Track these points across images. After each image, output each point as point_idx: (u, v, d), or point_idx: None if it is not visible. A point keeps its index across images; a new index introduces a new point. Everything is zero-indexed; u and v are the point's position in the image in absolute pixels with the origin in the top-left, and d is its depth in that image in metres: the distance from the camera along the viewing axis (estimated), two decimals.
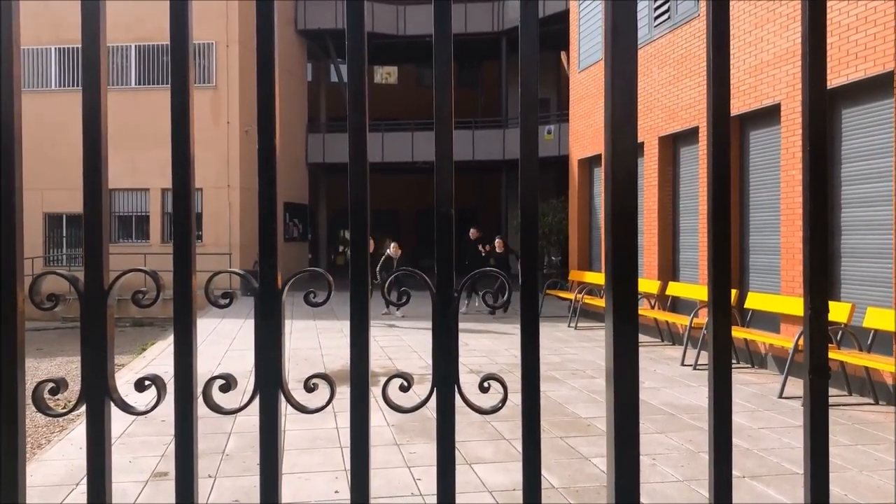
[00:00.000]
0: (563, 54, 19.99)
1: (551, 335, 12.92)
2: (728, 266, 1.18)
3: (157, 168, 21.78)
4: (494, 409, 1.22)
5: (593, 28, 16.01)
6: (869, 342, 7.81)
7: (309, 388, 1.29)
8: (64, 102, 22.53)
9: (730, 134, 1.15)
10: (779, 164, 9.92)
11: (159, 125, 21.09)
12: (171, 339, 13.58)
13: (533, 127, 1.14)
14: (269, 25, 1.17)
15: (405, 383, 1.25)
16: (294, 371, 9.09)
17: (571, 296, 14.97)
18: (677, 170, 12.94)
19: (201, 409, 1.27)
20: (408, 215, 35.02)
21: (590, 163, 16.72)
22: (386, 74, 37.30)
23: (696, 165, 12.14)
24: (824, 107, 1.15)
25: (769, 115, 10.19)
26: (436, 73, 1.18)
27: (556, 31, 22.46)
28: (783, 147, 9.66)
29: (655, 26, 13.25)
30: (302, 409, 1.31)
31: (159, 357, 11.05)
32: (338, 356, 10.65)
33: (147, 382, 1.18)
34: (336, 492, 5.10)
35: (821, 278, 1.15)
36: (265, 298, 1.19)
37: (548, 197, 22.54)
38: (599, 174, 16.61)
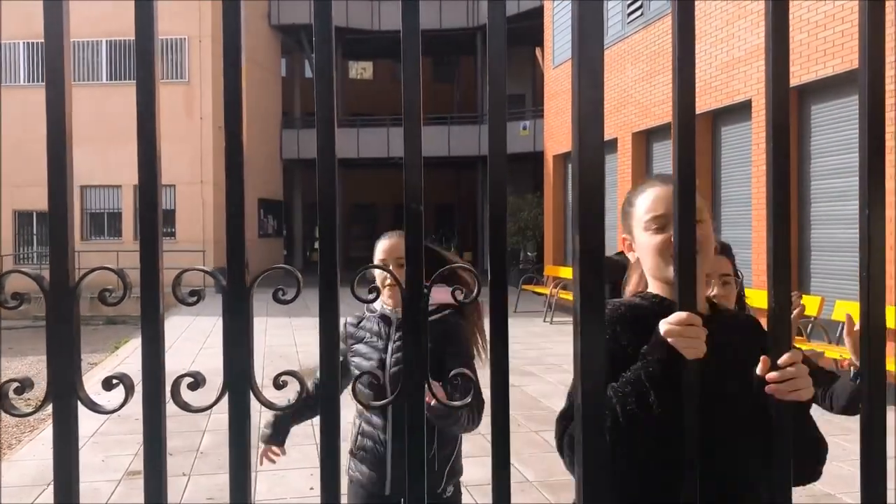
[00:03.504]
0: (537, 50, 20.05)
1: (527, 330, 12.98)
2: (693, 262, 1.19)
3: (129, 164, 21.45)
4: (463, 404, 1.23)
5: (567, 24, 16.10)
6: (838, 334, 7.94)
7: (278, 385, 1.29)
8: (33, 98, 22.19)
9: (695, 132, 1.16)
10: (750, 160, 10.03)
11: (131, 121, 20.69)
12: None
13: (501, 123, 1.14)
14: (235, 21, 1.17)
15: (374, 380, 1.25)
16: (269, 368, 9.04)
17: (547, 291, 15.03)
18: (650, 166, 13.04)
19: (176, 406, 1.26)
20: (385, 211, 34.95)
21: (565, 158, 16.81)
22: (361, 70, 37.17)
23: (669, 161, 12.24)
24: (787, 100, 1.17)
25: (741, 110, 10.31)
26: (404, 69, 1.19)
27: (530, 27, 22.51)
28: (754, 143, 9.77)
29: (628, 23, 13.34)
30: (271, 406, 1.31)
31: (133, 355, 10.94)
32: (314, 353, 10.58)
33: (115, 381, 1.17)
34: (311, 488, 5.10)
35: (784, 272, 1.17)
36: (233, 295, 1.19)
37: (524, 192, 22.61)
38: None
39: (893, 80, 7.30)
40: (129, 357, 10.83)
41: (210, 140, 22.28)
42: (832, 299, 8.32)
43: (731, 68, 10.26)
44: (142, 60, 1.17)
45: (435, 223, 33.78)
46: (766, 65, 1.17)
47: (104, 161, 21.37)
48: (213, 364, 1.19)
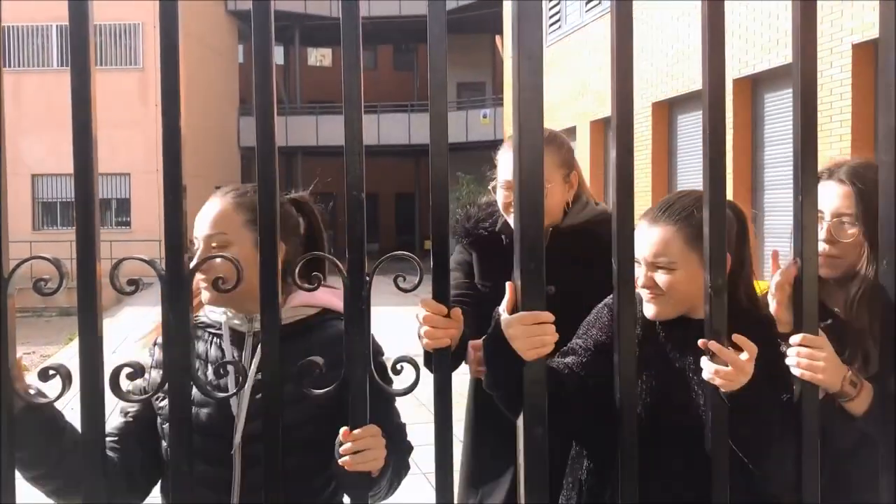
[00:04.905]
0: (497, 38, 20.05)
1: None
2: (631, 250, 1.21)
3: None
4: (407, 391, 1.23)
5: None
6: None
7: (219, 374, 1.27)
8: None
9: (632, 124, 1.18)
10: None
11: None
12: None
13: (442, 111, 1.15)
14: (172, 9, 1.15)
15: (318, 370, 1.25)
16: None
17: None
18: (608, 154, 13.16)
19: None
20: (342, 199, 34.69)
21: None
22: (320, 57, 36.80)
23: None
24: (723, 97, 1.20)
25: (697, 99, 10.43)
26: (344, 55, 1.18)
27: (491, 15, 22.49)
28: None
29: (586, 11, 13.40)
30: (211, 395, 1.30)
31: None
32: None
33: (52, 371, 1.14)
34: None
35: (720, 257, 1.20)
36: (172, 284, 1.17)
37: (485, 181, 22.60)
38: None
39: (849, 70, 7.47)
40: None
41: None
42: None
43: (687, 57, 10.38)
44: (76, 46, 1.15)
45: (395, 212, 33.73)
46: (703, 63, 1.20)
47: (56, 149, 20.80)
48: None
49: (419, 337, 1.38)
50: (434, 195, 1.15)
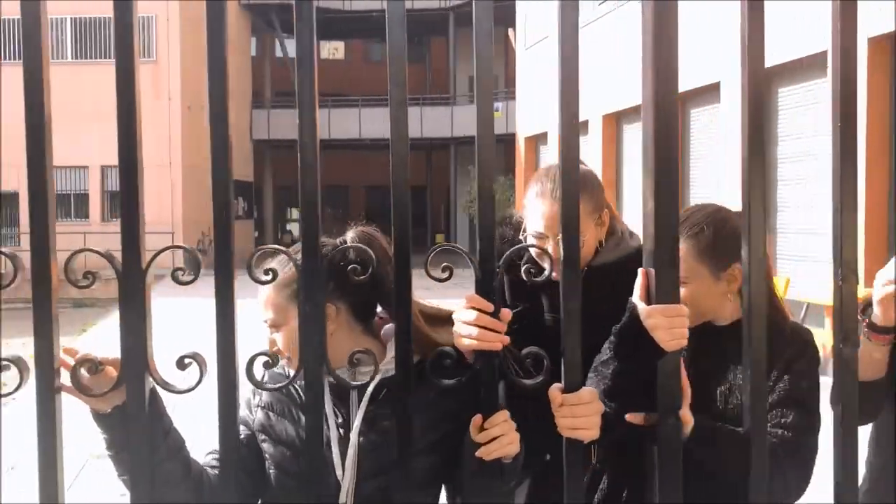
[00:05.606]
0: (510, 31, 19.99)
1: None
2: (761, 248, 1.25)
3: (96, 145, 21.08)
4: (538, 385, 1.23)
5: (539, 5, 16.06)
6: (802, 315, 8.10)
7: (353, 361, 1.24)
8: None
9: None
10: (720, 141, 10.14)
11: (98, 100, 20.41)
12: (111, 320, 13.29)
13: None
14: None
15: (449, 360, 1.25)
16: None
17: None
18: (621, 148, 13.12)
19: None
20: (357, 191, 34.83)
21: (536, 140, 16.84)
22: (333, 49, 36.81)
23: (640, 144, 12.34)
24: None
25: (707, 93, 10.39)
26: (476, 50, 1.20)
27: (503, 8, 22.39)
28: (726, 125, 9.88)
29: (599, 5, 13.35)
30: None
31: (104, 339, 10.82)
32: None
33: (187, 360, 1.19)
34: None
35: (850, 248, 1.22)
36: (310, 275, 1.21)
37: (495, 174, 22.61)
38: (545, 151, 16.74)
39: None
40: (96, 340, 10.70)
41: (178, 120, 21.98)
42: (794, 280, 8.47)
43: (700, 51, 10.33)
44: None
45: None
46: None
47: (70, 142, 20.92)
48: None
49: (458, 337, 1.30)
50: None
